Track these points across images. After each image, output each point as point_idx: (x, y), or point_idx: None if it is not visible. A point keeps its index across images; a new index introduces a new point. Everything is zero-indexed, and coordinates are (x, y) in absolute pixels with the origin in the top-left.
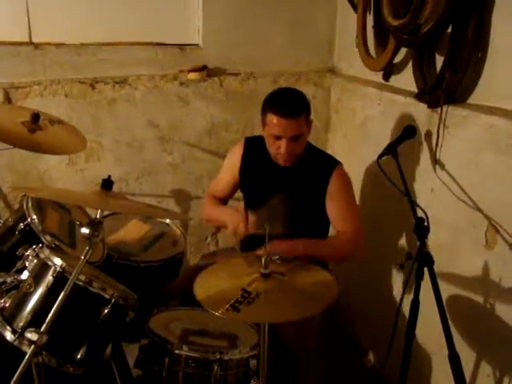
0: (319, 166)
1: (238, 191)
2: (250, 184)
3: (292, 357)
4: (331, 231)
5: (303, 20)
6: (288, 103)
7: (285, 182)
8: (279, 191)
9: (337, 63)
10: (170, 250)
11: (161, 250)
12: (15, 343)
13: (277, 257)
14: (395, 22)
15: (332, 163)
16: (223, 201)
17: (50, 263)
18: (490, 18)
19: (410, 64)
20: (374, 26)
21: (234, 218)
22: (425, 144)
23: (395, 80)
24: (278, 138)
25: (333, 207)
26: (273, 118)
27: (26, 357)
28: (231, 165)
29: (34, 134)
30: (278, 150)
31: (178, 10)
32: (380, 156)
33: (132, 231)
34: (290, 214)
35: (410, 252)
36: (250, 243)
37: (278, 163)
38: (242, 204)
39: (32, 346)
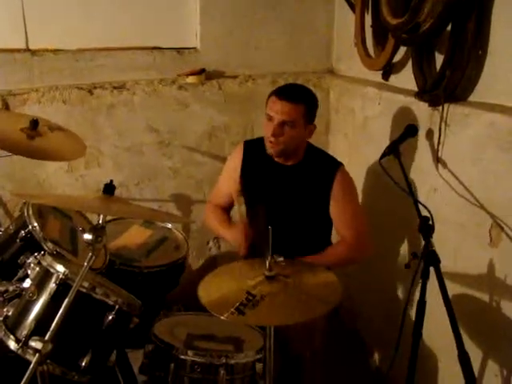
0: (321, 168)
1: None
2: (252, 186)
3: (297, 359)
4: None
5: (301, 21)
6: (290, 89)
7: (286, 184)
8: (280, 193)
9: (335, 64)
10: (173, 255)
11: (163, 255)
12: (19, 352)
13: (281, 259)
14: (394, 21)
15: (334, 165)
16: (226, 209)
17: (52, 270)
18: (489, 15)
19: (410, 63)
20: (372, 26)
21: (234, 241)
22: (426, 143)
23: (395, 79)
24: (270, 119)
25: (337, 211)
26: (272, 99)
27: (31, 365)
28: (231, 170)
29: (34, 140)
30: (268, 133)
31: (176, 14)
32: (382, 156)
33: (134, 237)
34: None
35: (415, 251)
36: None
37: (269, 152)
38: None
39: (37, 355)
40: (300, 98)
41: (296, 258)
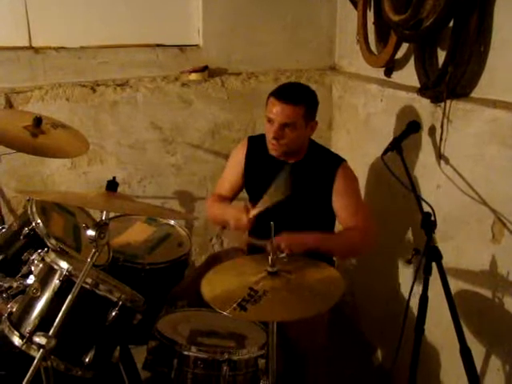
0: (324, 164)
1: (243, 192)
2: (254, 182)
3: (301, 355)
4: (336, 228)
5: (304, 18)
6: (288, 90)
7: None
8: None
9: (338, 61)
10: (176, 252)
11: (166, 252)
12: (23, 348)
13: (283, 255)
14: (396, 18)
15: (337, 161)
16: (228, 201)
17: (56, 267)
18: (492, 11)
19: (412, 59)
20: (374, 23)
21: (235, 214)
22: (429, 139)
23: (397, 76)
24: (271, 121)
25: (341, 204)
26: (271, 101)
27: (35, 361)
28: (235, 163)
29: (37, 138)
30: (269, 135)
31: (178, 11)
32: (384, 152)
33: (137, 233)
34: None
35: (417, 247)
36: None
37: (271, 153)
38: (242, 203)
39: (41, 350)
40: (300, 99)
41: (309, 231)
